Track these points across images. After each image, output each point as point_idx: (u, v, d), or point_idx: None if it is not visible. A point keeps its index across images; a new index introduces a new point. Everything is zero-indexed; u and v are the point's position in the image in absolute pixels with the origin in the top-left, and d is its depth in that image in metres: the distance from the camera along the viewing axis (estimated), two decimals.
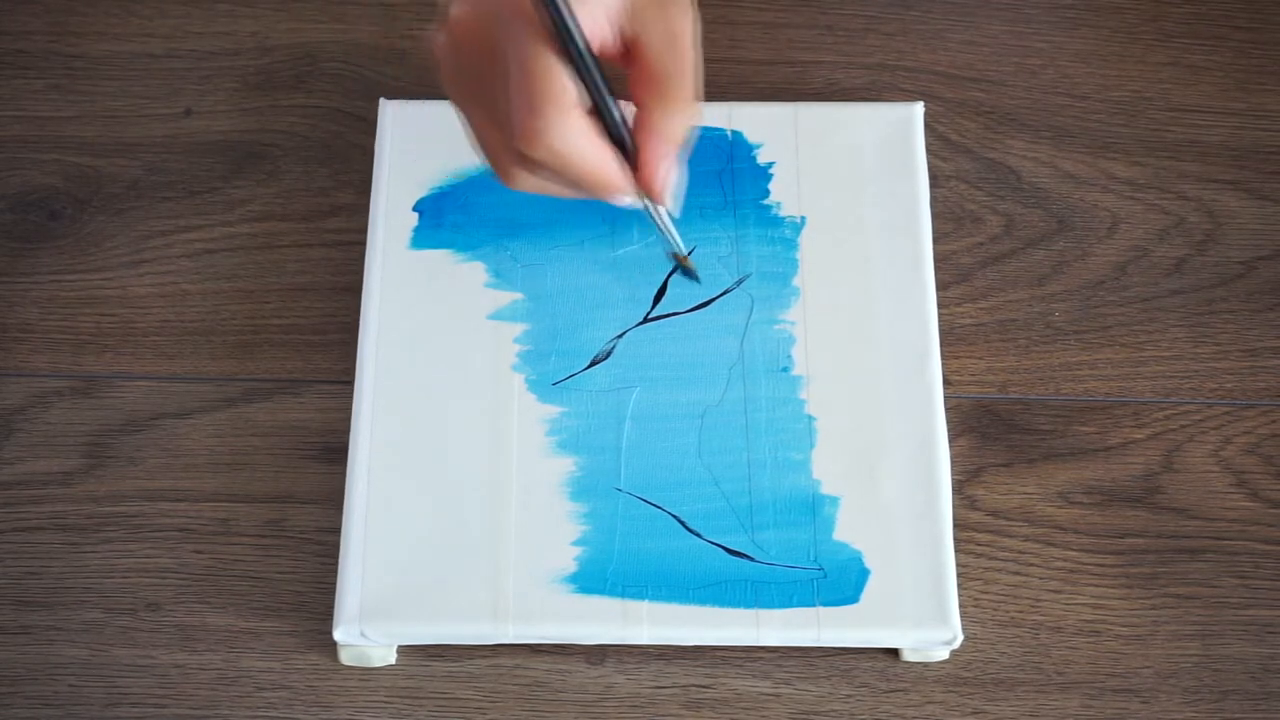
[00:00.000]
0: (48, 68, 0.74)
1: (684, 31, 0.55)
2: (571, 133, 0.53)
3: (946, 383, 0.67)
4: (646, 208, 0.58)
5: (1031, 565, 0.65)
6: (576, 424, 0.65)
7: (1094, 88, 0.74)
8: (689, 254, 0.65)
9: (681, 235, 0.68)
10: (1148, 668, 0.63)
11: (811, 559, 0.62)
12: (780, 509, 0.63)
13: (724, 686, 0.63)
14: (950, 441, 0.66)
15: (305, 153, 0.72)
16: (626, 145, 0.56)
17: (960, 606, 0.63)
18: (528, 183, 0.57)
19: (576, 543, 0.63)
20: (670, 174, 0.56)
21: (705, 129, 0.70)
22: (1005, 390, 0.68)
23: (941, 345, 0.67)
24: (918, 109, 0.70)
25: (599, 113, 0.55)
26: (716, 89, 0.73)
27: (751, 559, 0.62)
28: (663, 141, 0.55)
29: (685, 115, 0.56)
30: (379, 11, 0.75)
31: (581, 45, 0.53)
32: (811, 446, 0.64)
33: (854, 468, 0.64)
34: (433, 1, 0.75)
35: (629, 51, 0.55)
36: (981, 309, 0.69)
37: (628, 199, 0.56)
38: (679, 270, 0.65)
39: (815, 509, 0.63)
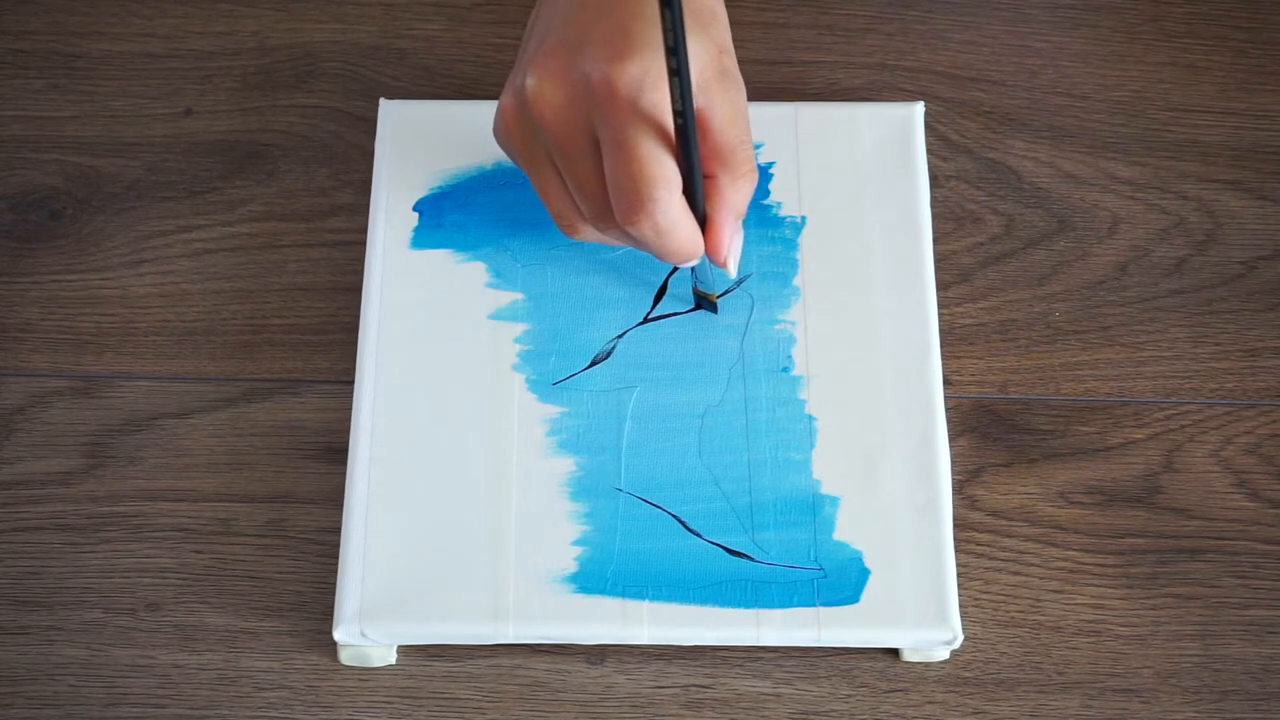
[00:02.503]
0: (48, 67, 0.74)
1: (744, 107, 0.59)
2: (674, 211, 0.57)
3: (947, 382, 0.67)
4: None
5: (1032, 565, 0.65)
6: (577, 424, 0.65)
7: (1094, 88, 0.74)
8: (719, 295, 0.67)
9: None
10: (1148, 668, 0.63)
11: (812, 559, 0.62)
12: (780, 509, 0.63)
13: (724, 686, 0.63)
14: (950, 441, 0.66)
15: (305, 153, 0.72)
16: (700, 214, 0.59)
17: (960, 606, 0.63)
18: (591, 237, 0.62)
19: (577, 543, 0.63)
20: (738, 242, 0.61)
21: None
22: (1005, 390, 0.68)
23: (942, 345, 0.67)
24: (918, 109, 0.70)
25: (688, 186, 0.58)
26: None
27: (752, 559, 0.62)
28: (731, 212, 0.60)
29: (749, 185, 0.60)
30: (379, 11, 0.75)
31: (694, 123, 0.56)
32: (812, 446, 0.64)
33: (854, 468, 0.64)
34: (434, 1, 0.76)
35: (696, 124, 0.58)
36: (982, 309, 0.69)
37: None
38: (702, 304, 0.67)
39: (815, 509, 0.63)
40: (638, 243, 0.59)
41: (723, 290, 0.67)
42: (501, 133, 0.61)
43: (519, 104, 0.59)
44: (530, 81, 0.58)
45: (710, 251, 0.60)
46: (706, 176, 0.59)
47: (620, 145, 0.56)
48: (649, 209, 0.57)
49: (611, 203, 0.57)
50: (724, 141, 0.58)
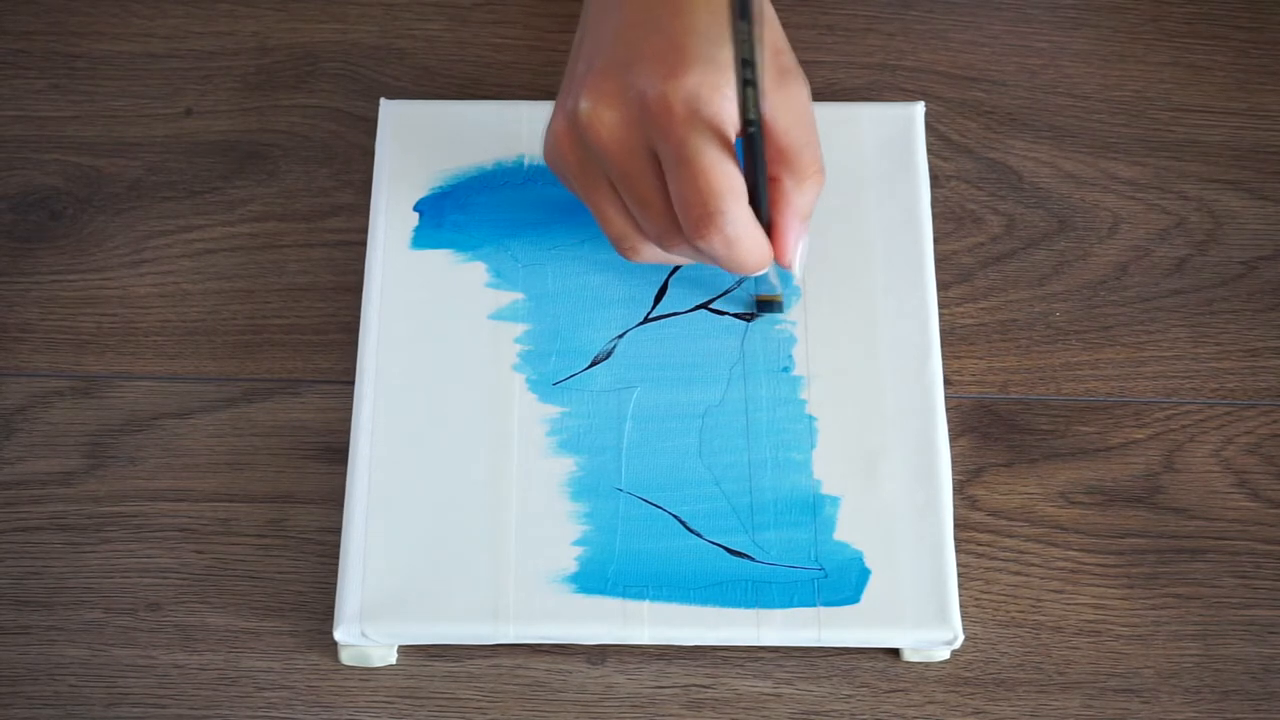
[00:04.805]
0: (48, 67, 0.74)
1: (808, 105, 0.59)
2: (743, 221, 0.57)
3: (947, 383, 0.67)
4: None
5: (1032, 565, 0.65)
6: (577, 424, 0.65)
7: (1095, 87, 0.74)
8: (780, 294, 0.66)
9: None
10: (1149, 668, 0.63)
11: (812, 559, 0.62)
12: (781, 509, 0.63)
13: (725, 686, 0.63)
14: (951, 441, 0.66)
15: (305, 153, 0.72)
16: (765, 220, 0.59)
17: (961, 606, 0.63)
18: (653, 257, 0.61)
19: (577, 543, 0.63)
20: (804, 245, 0.61)
21: None
22: (1006, 390, 0.68)
23: (942, 345, 0.67)
24: (918, 109, 0.70)
25: (754, 195, 0.58)
26: None
27: (752, 559, 0.62)
28: (797, 216, 0.59)
29: (816, 187, 0.59)
30: (379, 11, 0.75)
31: (762, 133, 0.56)
32: (812, 446, 0.64)
33: (855, 468, 0.64)
34: (434, 1, 0.76)
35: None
36: (982, 309, 0.69)
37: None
38: (764, 307, 0.66)
39: (816, 509, 0.63)
40: (705, 256, 0.59)
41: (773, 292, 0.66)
42: (555, 157, 0.60)
43: (572, 127, 0.58)
44: (584, 104, 0.57)
45: (778, 258, 0.60)
46: (771, 179, 0.59)
47: (684, 161, 0.56)
48: (718, 222, 0.56)
49: (679, 218, 0.57)
50: (789, 144, 0.58)
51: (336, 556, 0.63)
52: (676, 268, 0.67)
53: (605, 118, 0.57)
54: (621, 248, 0.61)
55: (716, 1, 0.57)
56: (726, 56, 0.56)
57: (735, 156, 0.57)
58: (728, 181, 0.56)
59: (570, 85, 0.60)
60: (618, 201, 0.60)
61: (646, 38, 0.57)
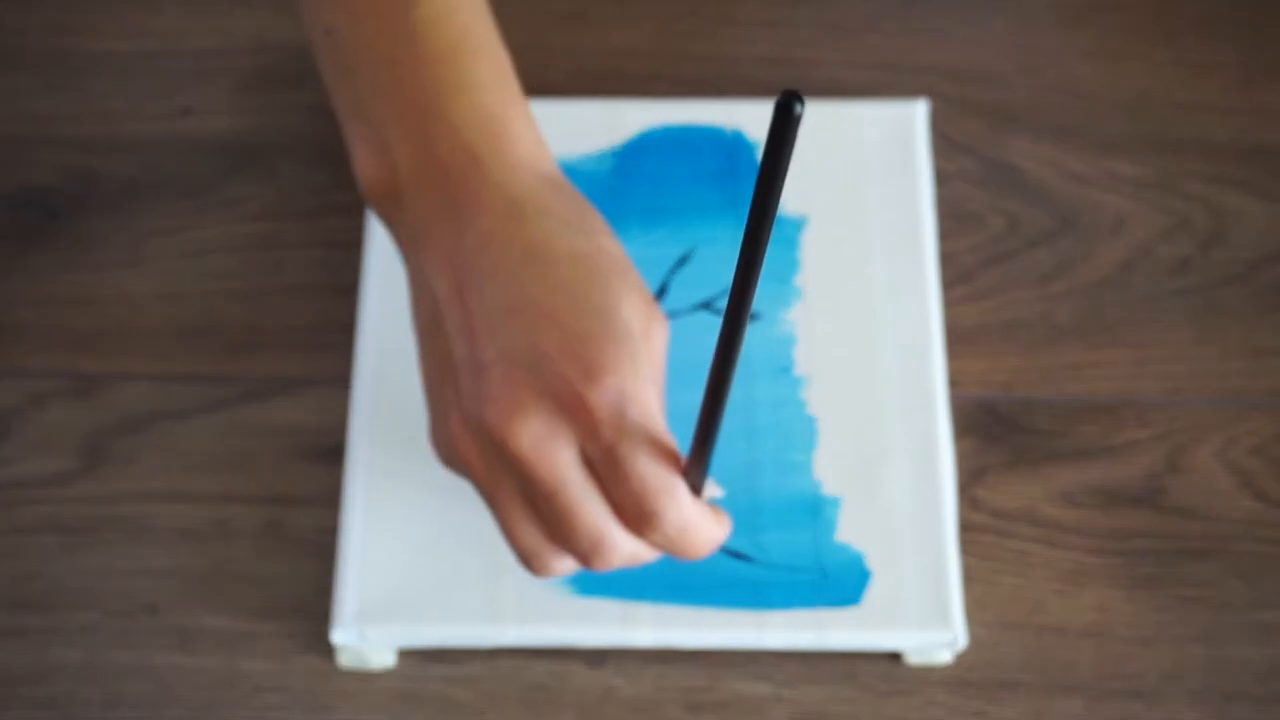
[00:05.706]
0: (44, 65, 0.74)
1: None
2: (684, 516, 0.52)
3: (949, 383, 0.67)
4: None
5: (1035, 567, 0.64)
6: None
7: (1098, 86, 0.73)
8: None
9: (682, 234, 0.68)
10: (1152, 670, 0.63)
11: (813, 560, 0.62)
12: (781, 511, 0.63)
13: (725, 689, 0.63)
14: (952, 442, 0.65)
15: (304, 152, 0.72)
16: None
17: (963, 608, 0.63)
18: (566, 569, 0.55)
19: None
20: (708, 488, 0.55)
21: (706, 128, 0.70)
22: (1008, 390, 0.67)
23: (944, 345, 0.67)
24: (921, 107, 0.70)
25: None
26: (717, 87, 0.73)
27: (752, 560, 0.62)
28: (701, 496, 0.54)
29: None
30: None
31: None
32: (813, 448, 0.64)
33: (856, 469, 0.63)
34: None
35: None
36: (984, 309, 0.69)
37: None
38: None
39: (816, 510, 0.63)
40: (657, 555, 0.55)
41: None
42: (453, 461, 0.54)
43: (477, 434, 0.52)
44: (493, 414, 0.51)
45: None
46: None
47: (615, 466, 0.51)
48: (655, 522, 0.51)
49: (619, 517, 0.52)
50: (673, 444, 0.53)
51: (334, 558, 0.63)
52: (678, 264, 0.67)
53: (522, 432, 0.50)
54: (532, 565, 0.54)
55: (591, 267, 0.52)
56: (633, 337, 0.51)
57: (667, 445, 0.52)
58: (662, 483, 0.51)
59: (459, 381, 0.53)
60: (530, 512, 0.53)
61: (542, 327, 0.51)
